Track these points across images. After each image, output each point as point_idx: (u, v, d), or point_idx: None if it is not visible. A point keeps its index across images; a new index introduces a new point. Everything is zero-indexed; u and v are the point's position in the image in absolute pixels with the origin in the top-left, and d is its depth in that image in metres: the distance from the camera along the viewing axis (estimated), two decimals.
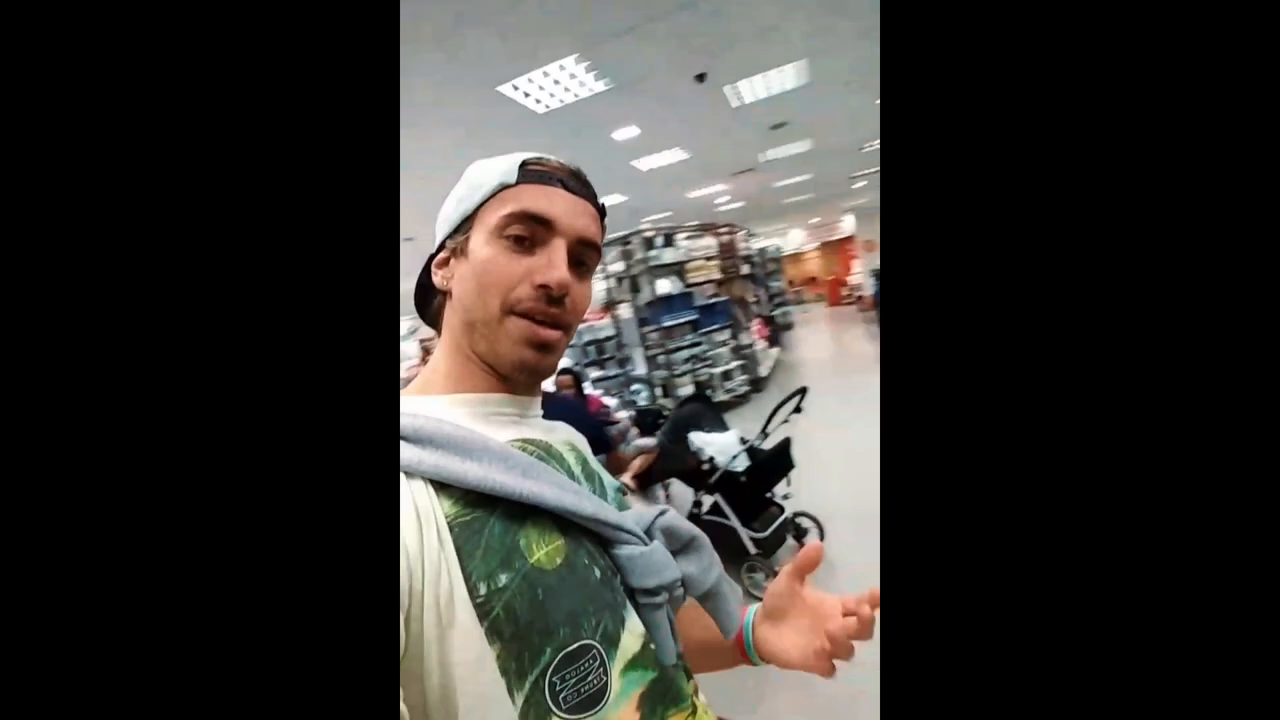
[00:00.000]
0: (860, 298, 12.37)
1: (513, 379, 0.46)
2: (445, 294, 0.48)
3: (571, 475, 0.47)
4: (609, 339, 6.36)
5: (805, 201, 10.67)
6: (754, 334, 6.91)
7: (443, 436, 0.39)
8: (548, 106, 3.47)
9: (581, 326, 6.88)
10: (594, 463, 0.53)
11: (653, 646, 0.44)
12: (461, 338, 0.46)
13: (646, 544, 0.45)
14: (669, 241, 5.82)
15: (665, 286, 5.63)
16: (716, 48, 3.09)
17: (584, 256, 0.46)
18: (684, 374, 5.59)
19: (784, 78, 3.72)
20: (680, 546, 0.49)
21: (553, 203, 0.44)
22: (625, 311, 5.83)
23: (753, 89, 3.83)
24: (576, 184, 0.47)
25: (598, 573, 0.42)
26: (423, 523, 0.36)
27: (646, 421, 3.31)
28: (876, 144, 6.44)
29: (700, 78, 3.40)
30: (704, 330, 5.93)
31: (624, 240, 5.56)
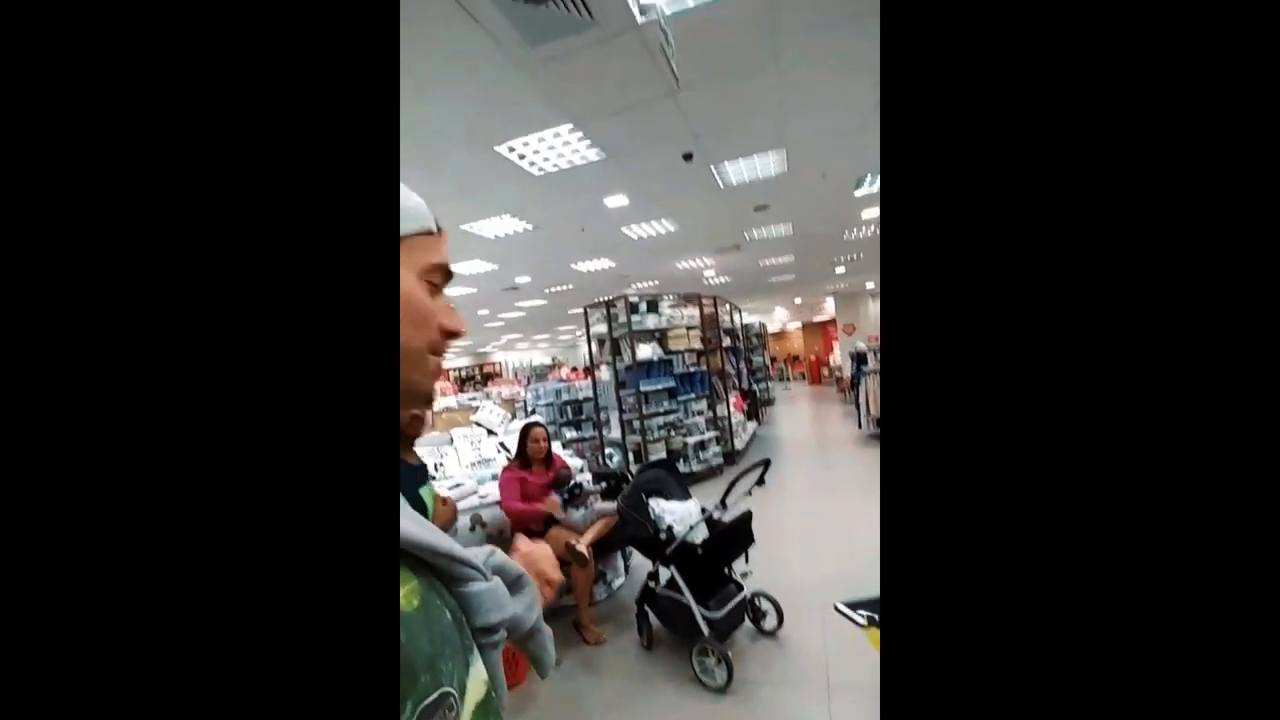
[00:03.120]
0: (839, 379, 12.55)
1: (409, 410, 0.48)
2: None
3: (425, 508, 0.51)
4: (586, 400, 6.31)
5: (789, 282, 11.04)
6: (732, 406, 6.91)
7: None
8: (541, 169, 3.61)
9: (560, 386, 6.79)
10: (432, 499, 0.62)
11: (494, 694, 0.43)
12: None
13: (489, 579, 0.45)
14: (652, 308, 5.93)
15: (646, 352, 5.68)
16: (701, 131, 3.28)
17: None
18: (658, 440, 5.52)
19: (765, 164, 3.94)
20: (510, 583, 0.49)
21: (447, 258, 0.49)
22: (605, 374, 5.82)
23: (738, 171, 4.04)
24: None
25: (448, 614, 0.41)
26: None
27: (608, 485, 3.21)
28: (856, 234, 6.77)
29: (687, 157, 3.59)
30: (681, 398, 5.92)
31: (609, 303, 5.66)
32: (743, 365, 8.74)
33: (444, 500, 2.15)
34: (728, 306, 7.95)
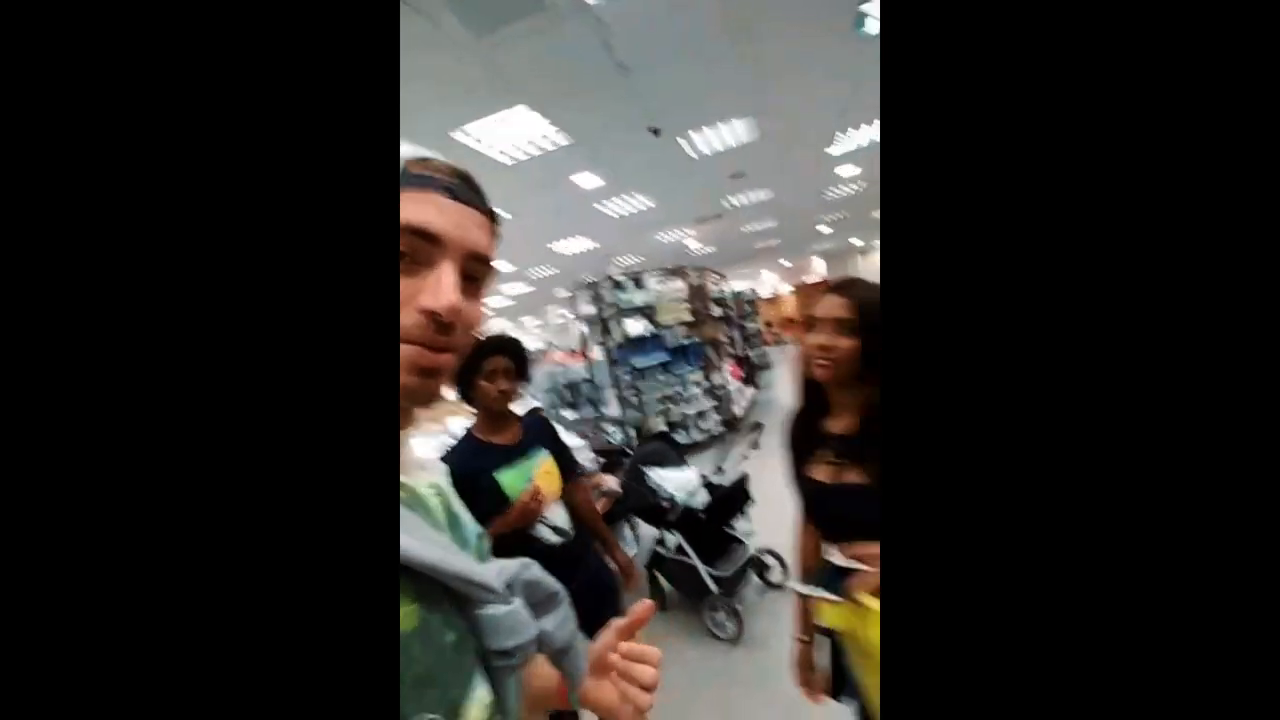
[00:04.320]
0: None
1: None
2: None
3: (435, 523, 0.44)
4: (585, 381, 6.38)
5: (775, 246, 11.03)
6: (728, 374, 7.00)
7: None
8: (511, 157, 3.61)
9: (556, 370, 6.85)
10: (457, 504, 0.50)
11: (498, 717, 0.41)
12: None
13: (509, 603, 0.42)
14: (638, 284, 5.96)
15: (637, 329, 5.73)
16: (664, 104, 3.28)
17: (474, 272, 0.41)
18: (658, 414, 5.61)
19: (735, 131, 3.93)
20: (540, 600, 0.46)
21: (440, 215, 0.38)
22: (599, 354, 5.88)
23: (707, 141, 4.04)
24: (465, 190, 0.41)
25: (452, 636, 0.39)
26: None
27: (610, 460, 3.30)
28: (838, 191, 6.76)
29: (655, 131, 3.59)
30: (676, 371, 6.00)
31: (594, 283, 5.68)
32: (735, 333, 8.80)
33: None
34: (715, 277, 7.97)
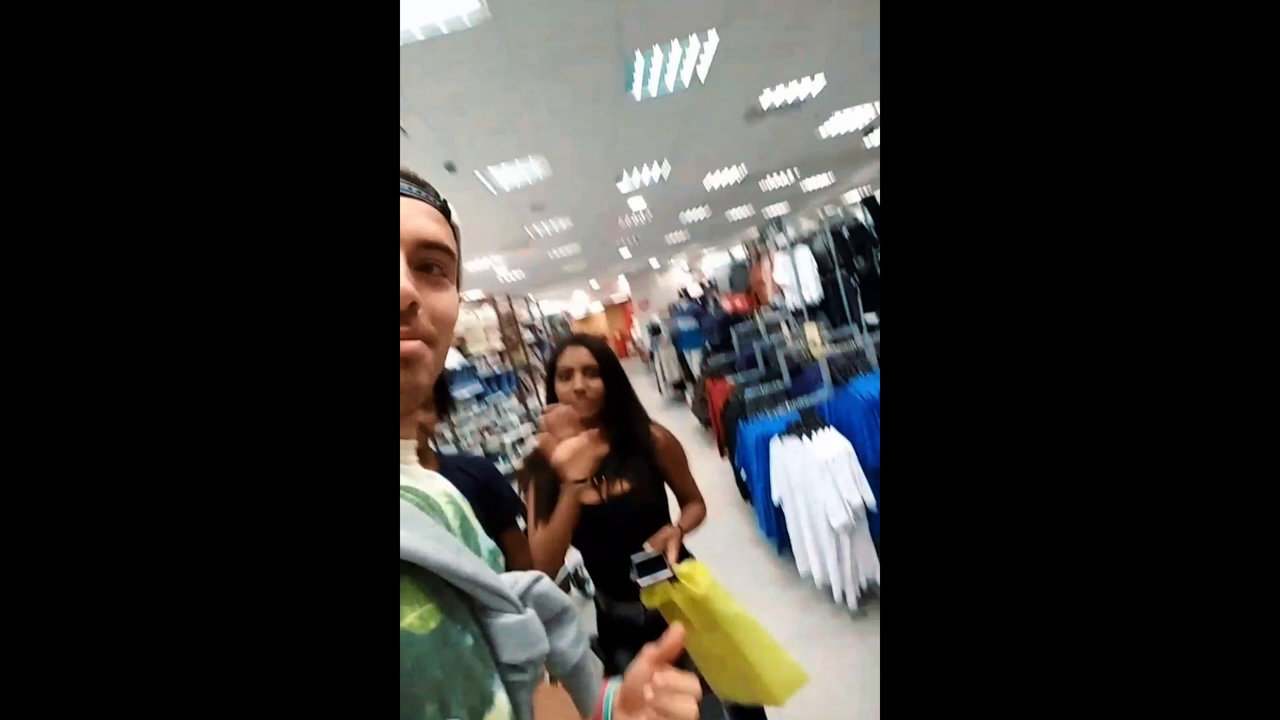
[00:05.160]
0: (640, 351, 13.63)
1: None
2: None
3: (449, 530, 0.42)
4: None
5: (582, 269, 11.56)
6: (543, 397, 7.13)
7: None
8: None
9: None
10: (472, 519, 0.48)
11: None
12: None
13: (522, 612, 0.41)
14: None
15: (449, 362, 5.56)
16: (460, 145, 3.36)
17: (431, 260, 0.40)
18: (479, 444, 5.51)
19: (530, 168, 4.17)
20: (550, 617, 0.44)
21: None
22: None
23: (505, 177, 4.20)
24: (406, 186, 0.41)
25: (470, 640, 0.37)
26: None
27: None
28: (630, 221, 7.42)
29: (449, 167, 3.63)
30: (489, 400, 5.96)
31: None
32: (548, 355, 8.98)
33: None
34: (523, 300, 8.10)
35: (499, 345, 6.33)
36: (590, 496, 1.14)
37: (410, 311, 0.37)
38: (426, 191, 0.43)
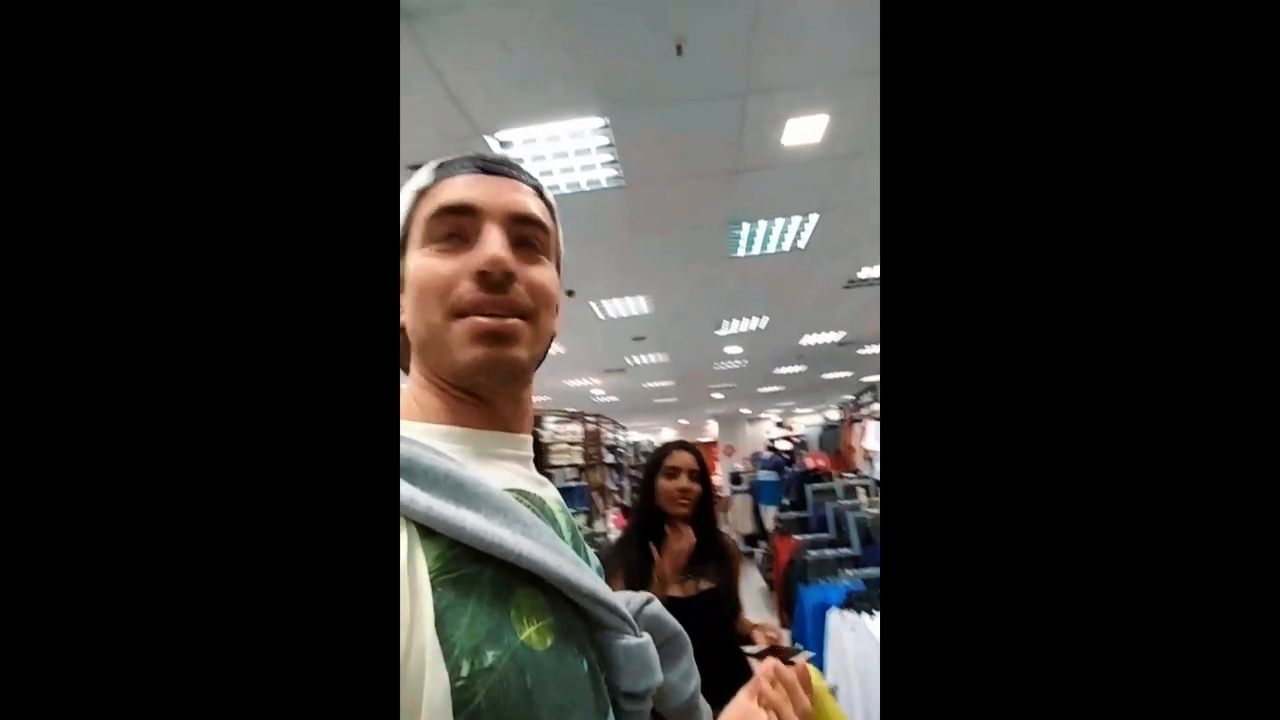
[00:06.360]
0: (719, 497, 13.11)
1: (490, 400, 0.40)
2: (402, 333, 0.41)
3: (563, 540, 0.39)
4: None
5: (673, 404, 11.85)
6: (611, 522, 7.06)
7: (440, 473, 0.32)
8: None
9: None
10: (579, 533, 0.45)
11: None
12: (423, 368, 0.40)
13: (640, 636, 0.38)
14: (536, 422, 6.18)
15: None
16: (578, 275, 3.88)
17: (527, 235, 0.40)
18: None
19: (637, 303, 4.63)
20: (661, 643, 0.41)
21: (471, 188, 0.39)
22: None
23: (613, 307, 4.68)
24: (499, 165, 0.42)
25: (585, 665, 0.35)
26: (403, 577, 0.29)
27: None
28: (726, 365, 7.70)
29: (570, 293, 4.16)
30: None
31: None
32: (625, 482, 9.00)
33: None
34: (611, 425, 8.39)
35: (579, 461, 6.52)
36: (678, 590, 1.23)
37: (506, 281, 0.37)
38: (520, 172, 0.43)
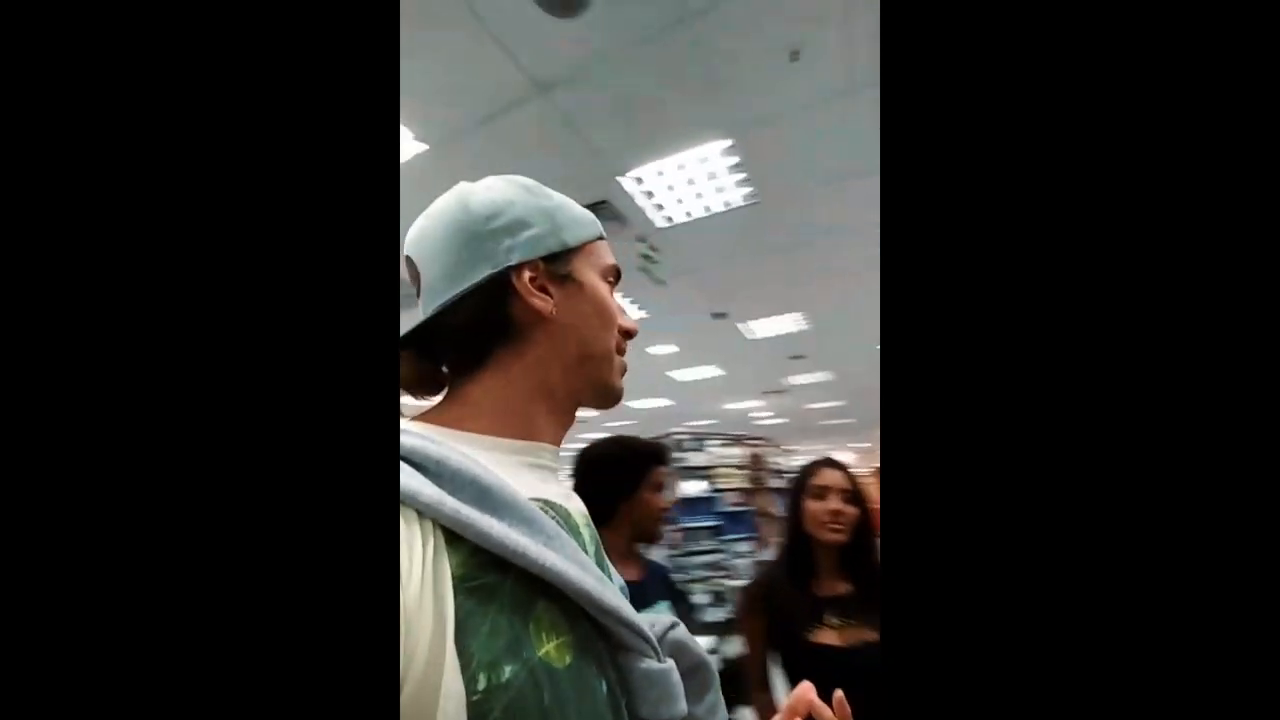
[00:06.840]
0: None
1: (574, 418, 0.44)
2: (526, 323, 0.41)
3: (586, 554, 0.37)
4: None
5: (847, 425, 11.02)
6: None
7: (468, 478, 0.33)
8: None
9: None
10: (601, 549, 0.44)
11: None
12: (554, 371, 0.41)
13: (664, 661, 0.37)
14: (699, 446, 6.25)
15: (693, 489, 5.88)
16: (725, 295, 3.92)
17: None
18: (700, 580, 5.47)
19: (790, 321, 4.49)
20: (686, 671, 0.40)
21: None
22: None
23: (762, 327, 4.61)
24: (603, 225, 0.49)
25: (604, 687, 0.34)
26: (424, 580, 0.29)
27: None
28: None
29: (718, 315, 4.21)
30: (724, 538, 5.94)
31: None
32: None
33: None
34: (777, 447, 8.10)
35: (744, 484, 6.40)
36: (830, 638, 1.03)
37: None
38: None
